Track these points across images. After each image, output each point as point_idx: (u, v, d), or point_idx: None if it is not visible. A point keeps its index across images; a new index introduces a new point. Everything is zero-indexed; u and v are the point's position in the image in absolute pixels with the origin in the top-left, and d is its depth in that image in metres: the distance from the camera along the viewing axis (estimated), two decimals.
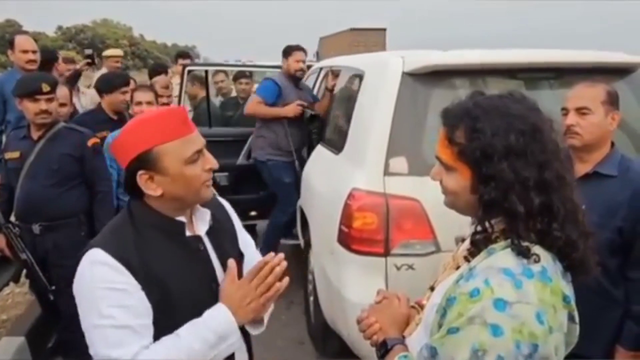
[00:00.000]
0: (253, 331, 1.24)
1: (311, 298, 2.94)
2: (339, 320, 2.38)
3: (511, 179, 0.87)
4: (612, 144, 1.72)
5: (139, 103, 2.87)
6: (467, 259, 0.98)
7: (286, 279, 1.18)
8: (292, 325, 3.21)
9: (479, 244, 0.94)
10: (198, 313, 1.12)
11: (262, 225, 4.51)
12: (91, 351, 1.06)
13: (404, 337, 1.08)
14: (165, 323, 1.08)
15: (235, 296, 1.13)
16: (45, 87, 2.38)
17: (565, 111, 1.69)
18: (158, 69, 4.32)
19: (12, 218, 2.57)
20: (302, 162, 3.49)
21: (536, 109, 0.94)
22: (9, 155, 2.53)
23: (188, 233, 1.18)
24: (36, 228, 2.45)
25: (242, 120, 4.41)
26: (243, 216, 4.06)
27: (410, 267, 2.11)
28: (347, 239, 2.20)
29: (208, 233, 1.22)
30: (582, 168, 1.69)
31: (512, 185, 0.88)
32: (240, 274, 1.20)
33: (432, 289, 1.08)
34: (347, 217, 2.19)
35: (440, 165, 0.99)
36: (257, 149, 3.83)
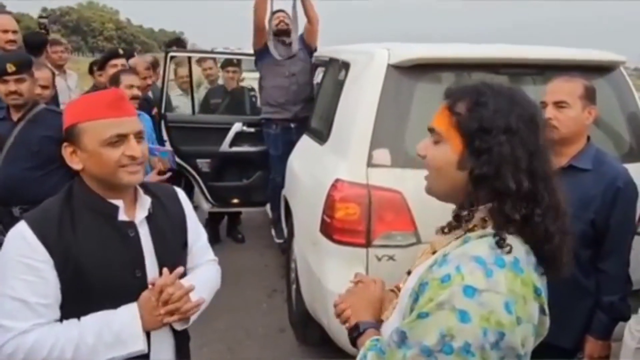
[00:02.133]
0: (177, 326, 1.26)
1: (293, 286, 2.96)
2: (319, 309, 2.41)
3: (507, 153, 0.88)
4: (588, 138, 1.76)
5: (131, 86, 2.83)
6: (443, 231, 1.00)
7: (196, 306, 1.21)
8: (273, 313, 3.24)
9: (460, 221, 0.96)
10: (116, 297, 1.15)
11: (247, 213, 4.51)
12: None
13: (379, 322, 1.09)
14: (79, 303, 1.12)
15: (149, 304, 1.16)
16: (10, 68, 2.31)
17: (543, 105, 1.72)
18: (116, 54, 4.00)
19: None
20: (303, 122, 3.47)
21: (536, 105, 0.97)
22: None
23: (123, 217, 1.20)
24: (16, 211, 2.41)
25: (231, 108, 4.37)
26: (225, 203, 4.10)
27: (391, 258, 2.14)
28: (329, 229, 2.22)
29: (148, 220, 1.24)
30: (557, 161, 1.70)
31: (506, 160, 0.88)
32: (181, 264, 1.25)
33: (409, 273, 1.09)
34: (329, 207, 2.21)
35: (430, 138, 0.99)
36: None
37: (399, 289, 1.16)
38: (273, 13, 3.71)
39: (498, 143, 0.89)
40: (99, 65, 3.60)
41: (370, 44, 2.86)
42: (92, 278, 1.12)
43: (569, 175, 1.67)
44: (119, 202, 1.19)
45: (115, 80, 2.89)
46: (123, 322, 1.13)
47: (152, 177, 3.01)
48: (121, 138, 1.15)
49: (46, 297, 1.10)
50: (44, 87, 2.82)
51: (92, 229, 1.16)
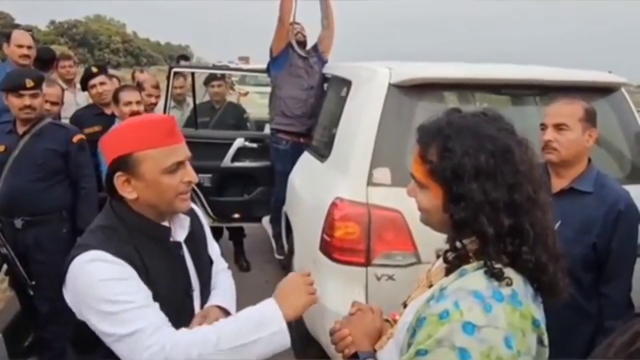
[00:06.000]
0: None
1: None
2: (318, 328, 2.38)
3: (481, 199, 0.87)
4: (589, 161, 1.75)
5: (129, 103, 2.85)
6: (438, 256, 0.99)
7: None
8: None
9: (453, 263, 0.94)
10: (176, 318, 1.12)
11: (248, 228, 4.47)
12: (108, 340, 1.04)
13: (375, 351, 1.07)
14: None
15: (286, 290, 1.20)
16: (29, 83, 2.37)
17: (543, 127, 1.73)
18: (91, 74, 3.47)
19: None
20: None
21: (508, 129, 0.93)
22: None
23: (173, 239, 1.21)
24: (18, 222, 2.43)
25: (220, 125, 4.30)
26: (226, 218, 4.08)
27: (391, 277, 2.13)
28: (329, 248, 2.21)
29: (186, 239, 1.24)
30: (558, 183, 1.72)
31: (481, 206, 0.87)
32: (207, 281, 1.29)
33: (404, 305, 1.07)
34: (329, 226, 2.20)
35: (414, 182, 0.99)
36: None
37: (394, 320, 1.14)
38: (290, 24, 3.72)
39: (471, 189, 0.87)
40: (82, 87, 3.57)
41: (373, 62, 2.87)
42: (161, 301, 1.10)
43: (570, 197, 1.68)
44: (167, 224, 1.20)
45: (115, 98, 2.93)
46: (261, 310, 1.14)
47: None
48: (179, 165, 1.14)
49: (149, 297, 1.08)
50: (53, 103, 2.87)
51: (153, 253, 1.15)
